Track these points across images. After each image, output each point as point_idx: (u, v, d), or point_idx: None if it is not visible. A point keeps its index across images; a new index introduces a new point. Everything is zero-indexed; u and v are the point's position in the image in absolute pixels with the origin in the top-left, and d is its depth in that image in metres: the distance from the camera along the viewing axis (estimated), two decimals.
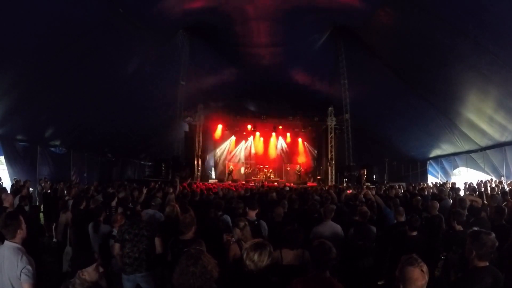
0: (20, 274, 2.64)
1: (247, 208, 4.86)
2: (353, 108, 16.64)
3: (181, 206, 5.12)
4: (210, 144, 20.60)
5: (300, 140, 21.93)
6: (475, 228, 3.26)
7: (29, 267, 2.68)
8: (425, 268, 2.09)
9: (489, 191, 9.40)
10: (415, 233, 4.20)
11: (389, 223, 5.59)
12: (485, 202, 6.35)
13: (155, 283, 3.94)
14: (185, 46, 14.92)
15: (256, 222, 4.54)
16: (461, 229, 4.05)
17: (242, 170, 21.37)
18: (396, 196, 7.93)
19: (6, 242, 2.80)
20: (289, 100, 18.86)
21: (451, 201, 7.10)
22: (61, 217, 5.46)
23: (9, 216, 2.95)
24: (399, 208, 4.97)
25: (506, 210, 4.55)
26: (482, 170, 13.79)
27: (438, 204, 5.54)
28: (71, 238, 4.95)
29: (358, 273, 3.70)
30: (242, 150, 22.02)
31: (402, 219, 4.75)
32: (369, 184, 15.08)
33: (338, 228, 4.54)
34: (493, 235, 2.69)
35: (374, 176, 17.98)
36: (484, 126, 12.00)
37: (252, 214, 4.70)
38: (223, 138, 21.46)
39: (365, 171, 16.79)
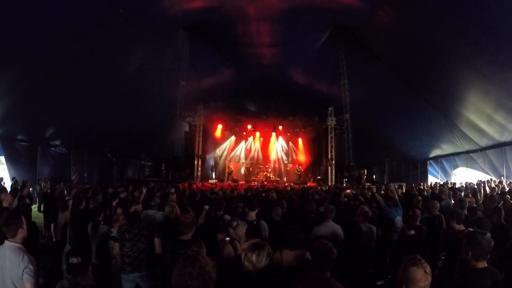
0: (22, 273, 2.64)
1: (246, 209, 4.86)
2: (353, 108, 16.65)
3: (181, 206, 5.12)
4: (210, 144, 20.58)
5: (300, 140, 21.91)
6: (470, 229, 3.26)
7: (31, 266, 2.67)
8: (428, 269, 2.08)
9: (488, 191, 9.40)
10: (412, 232, 4.20)
11: (389, 223, 5.59)
12: (480, 203, 6.35)
13: (154, 283, 3.94)
14: (185, 46, 14.93)
15: (256, 222, 4.53)
16: (461, 228, 4.04)
17: (242, 170, 21.37)
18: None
19: (6, 242, 2.78)
20: (289, 100, 18.85)
21: (452, 201, 7.09)
22: (60, 217, 5.47)
23: (11, 215, 2.94)
24: (416, 211, 4.89)
25: (503, 210, 4.53)
26: (482, 170, 13.79)
27: (438, 204, 5.53)
28: (70, 237, 4.95)
29: (354, 273, 3.70)
30: (242, 150, 22.01)
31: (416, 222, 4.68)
32: (369, 184, 15.09)
33: (338, 228, 4.53)
34: (489, 234, 2.69)
35: (374, 176, 17.98)
36: (484, 126, 11.99)
37: (252, 215, 4.69)
38: (223, 138, 21.44)
39: (365, 171, 16.80)
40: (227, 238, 3.68)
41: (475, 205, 5.98)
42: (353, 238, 3.96)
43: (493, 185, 10.74)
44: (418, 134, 16.46)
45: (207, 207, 4.99)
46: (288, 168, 21.90)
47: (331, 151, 18.13)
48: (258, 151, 21.99)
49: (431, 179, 17.28)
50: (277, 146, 22.03)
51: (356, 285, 3.52)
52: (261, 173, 20.73)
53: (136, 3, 10.51)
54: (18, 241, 2.80)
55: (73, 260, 2.47)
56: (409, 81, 13.78)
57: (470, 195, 7.42)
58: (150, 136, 18.81)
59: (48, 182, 11.69)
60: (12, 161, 12.10)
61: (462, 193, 8.90)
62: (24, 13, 7.97)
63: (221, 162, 21.91)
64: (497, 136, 11.96)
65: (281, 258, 3.27)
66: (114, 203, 6.37)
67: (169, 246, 3.60)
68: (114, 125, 15.20)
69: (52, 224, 8.04)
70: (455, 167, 16.33)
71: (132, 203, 4.94)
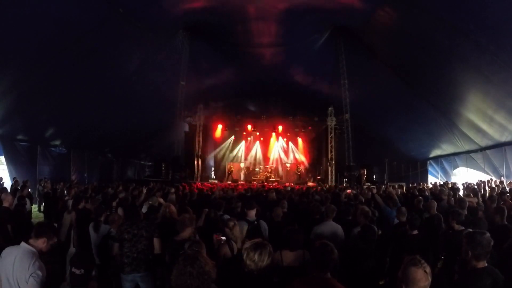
0: (29, 277, 2.60)
1: (245, 209, 4.85)
2: (353, 108, 16.64)
3: (180, 206, 5.12)
4: (210, 144, 20.59)
5: (300, 140, 21.92)
6: (469, 229, 3.25)
7: (39, 272, 2.64)
8: (428, 269, 2.08)
9: (487, 191, 9.40)
10: (415, 232, 4.18)
11: (389, 223, 5.59)
12: (481, 203, 6.34)
13: (153, 283, 3.94)
14: (185, 46, 14.93)
15: (256, 222, 4.53)
16: (460, 228, 4.04)
17: (242, 170, 21.36)
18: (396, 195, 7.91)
19: (22, 243, 2.75)
20: (289, 100, 18.85)
21: (449, 200, 7.10)
22: (65, 218, 5.40)
23: (51, 226, 3.06)
24: (401, 209, 4.94)
25: (506, 209, 4.53)
26: (482, 170, 13.78)
27: (436, 204, 5.54)
28: (75, 239, 4.93)
29: (359, 274, 3.69)
30: (242, 150, 22.01)
31: (404, 219, 4.73)
32: (369, 184, 15.09)
33: (338, 228, 4.52)
34: (488, 234, 2.69)
35: (374, 176, 17.99)
36: (484, 126, 11.99)
37: (251, 214, 4.68)
38: (223, 138, 21.45)
39: (365, 171, 16.79)
40: (223, 237, 3.67)
41: (476, 205, 5.98)
42: (368, 240, 3.92)
43: (493, 185, 10.75)
44: (418, 134, 16.44)
45: (206, 210, 4.99)
46: (288, 168, 21.89)
47: (331, 151, 18.14)
48: (258, 151, 21.98)
49: (431, 179, 17.28)
50: (277, 146, 22.03)
51: (359, 285, 3.52)
52: (261, 173, 20.72)
53: (136, 3, 10.51)
54: (35, 246, 2.77)
55: (76, 271, 2.46)
56: (409, 81, 13.77)
57: (472, 195, 7.44)
58: (150, 136, 18.80)
59: (49, 182, 11.69)
60: (12, 161, 12.10)
61: (462, 193, 8.92)
62: (24, 13, 7.97)
63: (221, 162, 21.91)
64: (497, 136, 11.95)
65: (281, 258, 3.26)
66: (114, 203, 6.38)
67: (166, 247, 3.60)
68: (114, 125, 15.20)
69: (55, 225, 8.03)
70: (455, 167, 16.33)
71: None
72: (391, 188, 8.90)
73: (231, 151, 21.86)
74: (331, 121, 18.12)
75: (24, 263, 2.63)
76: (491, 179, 12.11)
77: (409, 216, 4.46)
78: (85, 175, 16.25)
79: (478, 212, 5.29)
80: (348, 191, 9.36)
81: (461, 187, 11.68)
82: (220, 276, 2.29)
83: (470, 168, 14.88)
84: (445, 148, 16.21)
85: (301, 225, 4.88)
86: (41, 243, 2.78)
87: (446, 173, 16.95)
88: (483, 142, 13.06)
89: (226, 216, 5.07)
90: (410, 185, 13.31)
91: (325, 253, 2.56)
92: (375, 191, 8.62)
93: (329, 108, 18.15)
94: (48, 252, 2.86)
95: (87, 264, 2.52)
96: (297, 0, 11.83)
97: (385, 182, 16.65)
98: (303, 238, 3.47)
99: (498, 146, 12.43)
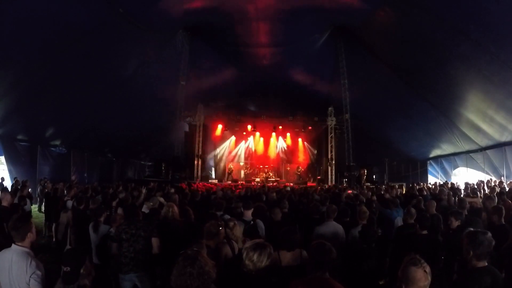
0: (29, 279, 2.57)
1: (242, 208, 4.85)
2: (353, 108, 16.65)
3: (181, 206, 5.12)
4: (210, 144, 20.58)
5: (300, 140, 21.91)
6: (471, 229, 3.26)
7: (38, 272, 2.61)
8: (428, 269, 2.08)
9: (487, 191, 9.39)
10: (425, 232, 4.16)
11: (390, 223, 5.58)
12: (480, 202, 6.34)
13: (151, 283, 3.94)
14: (185, 46, 14.94)
15: (252, 222, 4.53)
16: (460, 229, 4.04)
17: (242, 170, 21.37)
18: (396, 196, 7.90)
19: (13, 245, 2.71)
20: (289, 100, 18.84)
21: (452, 200, 7.09)
22: (62, 217, 5.48)
23: (20, 219, 2.86)
24: (411, 210, 4.83)
25: (504, 209, 4.52)
26: (482, 170, 13.78)
27: (435, 204, 5.54)
28: (71, 238, 4.96)
29: (360, 274, 3.69)
30: (242, 150, 22.00)
31: (412, 221, 4.67)
32: (369, 184, 15.09)
33: (340, 228, 4.51)
34: (490, 234, 2.68)
35: (374, 176, 17.98)
36: (484, 126, 11.99)
37: (248, 214, 4.68)
38: (223, 138, 21.45)
39: (365, 171, 16.80)
40: (224, 239, 3.65)
41: (479, 206, 5.95)
42: (368, 240, 3.91)
43: (492, 184, 10.74)
44: (418, 134, 16.45)
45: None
46: (288, 168, 21.89)
47: (331, 151, 18.13)
48: (258, 151, 21.98)
49: (431, 179, 17.27)
50: (277, 146, 22.03)
51: (359, 285, 3.52)
52: (261, 173, 20.72)
53: (136, 3, 10.52)
54: (26, 245, 2.72)
55: (64, 268, 2.42)
56: (409, 81, 13.77)
57: (471, 195, 7.43)
58: (150, 136, 18.79)
59: (49, 182, 11.69)
60: (12, 161, 12.10)
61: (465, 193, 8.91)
62: (24, 13, 7.97)
63: (221, 162, 21.90)
64: (497, 136, 11.96)
65: (279, 258, 3.26)
66: (114, 203, 6.38)
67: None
68: (114, 125, 15.19)
69: (54, 224, 8.04)
70: (455, 167, 16.33)
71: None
72: (394, 190, 8.84)
73: (231, 151, 21.87)
74: (331, 121, 18.12)
75: (21, 265, 2.60)
76: (491, 179, 12.11)
77: (419, 216, 4.41)
78: (85, 175, 16.25)
79: (481, 213, 5.27)
80: (349, 191, 9.34)
81: (462, 186, 11.67)
82: (220, 277, 2.29)
83: (470, 168, 14.88)
84: (445, 148, 16.21)
85: (301, 225, 4.88)
86: (28, 240, 2.74)
87: (446, 173, 16.95)
88: (483, 142, 13.07)
89: (227, 216, 5.07)
90: (410, 185, 13.32)
91: (323, 253, 2.55)
92: (374, 198, 8.52)
93: (329, 108, 18.14)
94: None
95: (74, 261, 2.44)
96: (297, 0, 11.83)
97: (385, 182, 16.66)
98: (300, 238, 3.46)
99: (498, 146, 12.43)
